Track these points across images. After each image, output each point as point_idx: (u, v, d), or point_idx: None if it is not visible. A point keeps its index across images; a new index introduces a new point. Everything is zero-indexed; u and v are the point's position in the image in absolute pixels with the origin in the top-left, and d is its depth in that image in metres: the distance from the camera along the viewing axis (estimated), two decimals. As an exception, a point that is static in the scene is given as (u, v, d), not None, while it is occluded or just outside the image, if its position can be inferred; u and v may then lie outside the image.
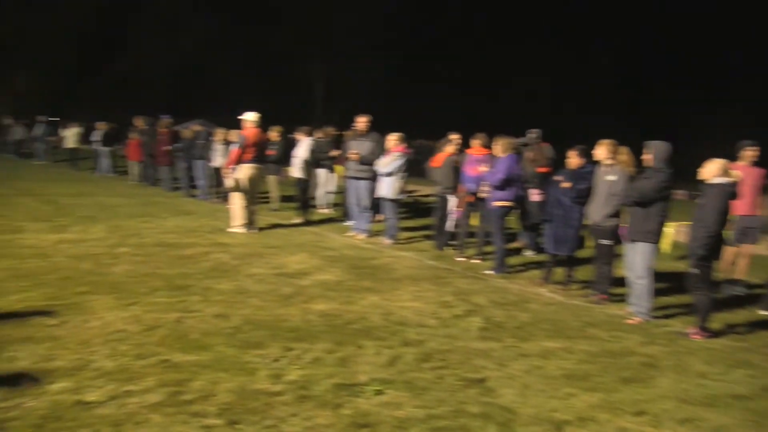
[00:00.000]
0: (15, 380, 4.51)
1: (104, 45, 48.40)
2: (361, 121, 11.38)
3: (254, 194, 11.55)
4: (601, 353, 5.84)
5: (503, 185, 8.97)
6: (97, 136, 22.52)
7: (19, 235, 9.88)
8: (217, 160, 14.69)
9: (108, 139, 22.39)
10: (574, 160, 8.06)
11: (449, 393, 4.69)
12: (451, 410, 4.40)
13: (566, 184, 8.00)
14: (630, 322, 6.93)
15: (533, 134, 10.92)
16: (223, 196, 14.00)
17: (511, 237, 10.68)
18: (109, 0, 47.10)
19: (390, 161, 10.57)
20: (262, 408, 4.26)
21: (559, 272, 8.50)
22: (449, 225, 10.52)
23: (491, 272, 9.00)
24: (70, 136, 25.14)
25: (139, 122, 19.63)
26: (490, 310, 7.09)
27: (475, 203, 9.74)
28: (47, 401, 4.22)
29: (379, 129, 11.54)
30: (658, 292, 7.45)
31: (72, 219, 11.74)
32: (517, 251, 10.62)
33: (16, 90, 46.74)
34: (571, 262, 8.39)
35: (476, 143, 10.01)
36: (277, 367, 4.99)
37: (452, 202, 10.31)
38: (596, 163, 7.88)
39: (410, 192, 15.74)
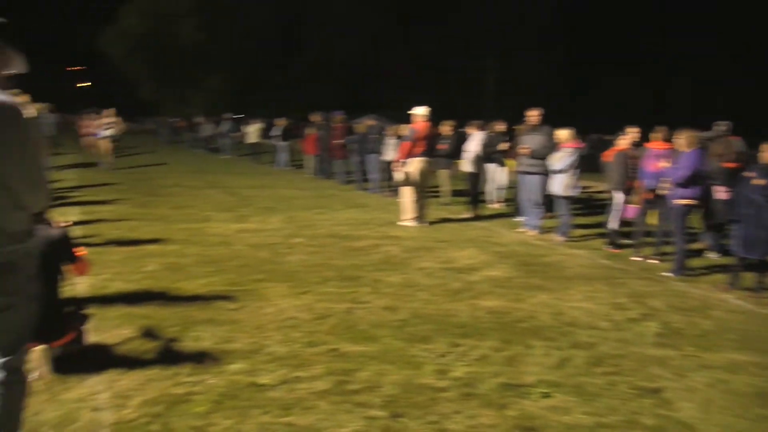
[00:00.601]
0: (199, 358, 4.85)
1: (284, 46, 50.89)
2: (533, 115, 11.12)
3: (424, 188, 11.61)
4: (800, 372, 5.27)
5: (687, 182, 8.41)
6: (276, 131, 23.63)
7: (206, 224, 10.58)
8: (390, 154, 14.91)
9: (286, 134, 23.42)
10: (768, 154, 7.41)
11: (621, 401, 4.45)
12: (622, 420, 4.17)
13: (759, 181, 7.36)
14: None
15: (721, 127, 10.18)
16: (395, 189, 14.21)
17: (693, 237, 10.01)
18: (289, 3, 49.37)
19: (562, 157, 10.26)
20: (426, 403, 4.25)
21: (749, 277, 7.84)
22: (612, 223, 10.06)
23: (670, 274, 8.48)
24: (252, 131, 26.63)
25: (315, 118, 20.37)
26: (668, 314, 6.66)
27: (654, 200, 9.22)
28: (225, 380, 4.48)
29: (553, 123, 11.22)
30: None
31: (252, 210, 12.42)
32: (699, 253, 9.93)
33: (207, 91, 50.29)
34: (764, 266, 7.72)
35: (657, 137, 9.48)
36: (443, 363, 4.97)
37: (618, 198, 9.84)
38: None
39: (584, 188, 15.20)
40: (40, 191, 2.99)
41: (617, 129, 10.81)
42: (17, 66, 3.07)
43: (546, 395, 4.46)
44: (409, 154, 11.36)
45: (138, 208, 12.31)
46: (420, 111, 11.53)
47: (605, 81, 43.06)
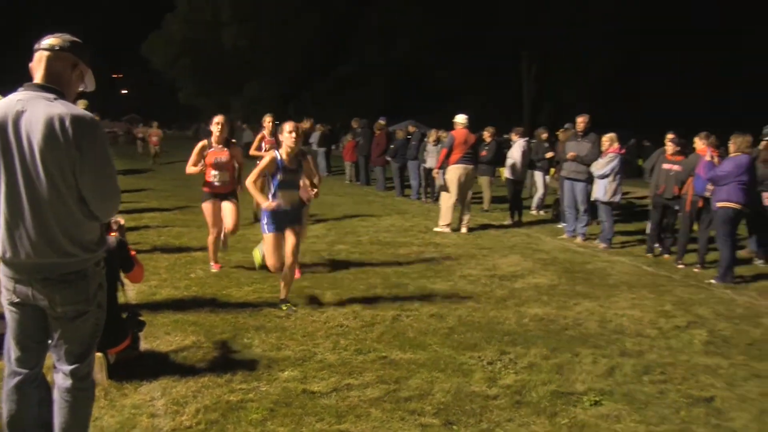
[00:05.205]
0: (251, 365, 4.92)
1: (328, 52, 51.14)
2: (581, 121, 11.05)
3: (463, 195, 11.63)
4: None
5: (732, 186, 8.30)
6: (314, 137, 23.78)
7: (249, 230, 10.67)
8: (430, 160, 14.96)
9: (324, 141, 23.56)
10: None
11: (673, 410, 4.44)
12: (675, 429, 4.17)
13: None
14: None
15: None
16: (435, 196, 14.25)
17: (739, 244, 9.86)
18: (335, 10, 49.61)
19: (605, 163, 10.21)
20: (478, 410, 4.29)
21: (797, 285, 7.77)
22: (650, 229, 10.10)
23: (715, 281, 8.40)
24: (291, 137, 26.84)
25: (355, 124, 20.46)
26: (716, 322, 6.62)
27: (705, 207, 9.11)
28: (278, 387, 4.55)
29: (592, 128, 11.14)
30: None
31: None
32: (745, 260, 9.83)
33: (247, 97, 50.72)
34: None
35: (701, 143, 9.41)
36: (493, 371, 5.00)
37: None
38: None
39: (625, 194, 15.09)
40: (111, 202, 3.05)
41: (658, 134, 10.75)
42: (88, 84, 3.16)
43: (596, 403, 4.47)
44: (447, 161, 11.41)
45: (182, 214, 12.46)
46: (459, 119, 11.57)
47: (646, 84, 42.44)
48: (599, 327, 6.27)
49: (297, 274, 7.19)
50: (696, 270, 9.05)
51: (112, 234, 4.78)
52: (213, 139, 7.61)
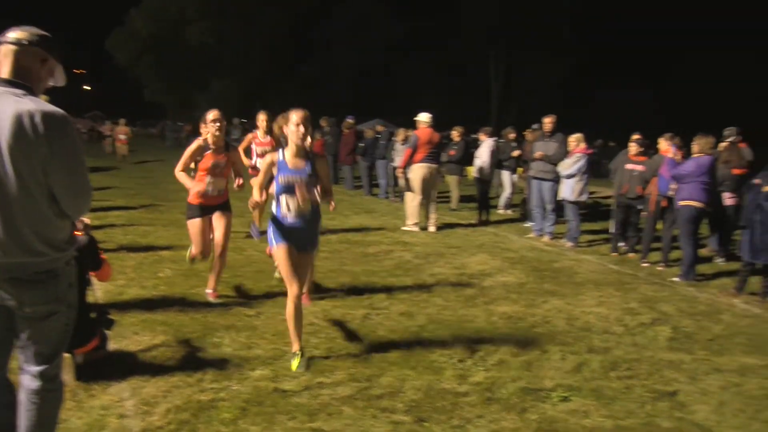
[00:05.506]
0: (222, 364, 4.90)
1: (294, 50, 50.97)
2: (547, 122, 11.18)
3: (428, 194, 11.69)
4: (810, 375, 5.36)
5: (693, 186, 8.47)
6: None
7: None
8: (398, 159, 14.98)
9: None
10: (776, 162, 7.50)
11: (638, 404, 4.55)
12: (641, 423, 4.27)
13: None
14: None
15: (730, 133, 10.29)
16: (402, 195, 14.29)
17: (701, 242, 10.08)
18: (301, 8, 49.44)
19: (572, 163, 10.34)
20: (449, 408, 4.34)
21: (756, 282, 7.95)
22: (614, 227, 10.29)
23: (678, 279, 8.57)
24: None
25: (323, 123, 20.41)
26: (679, 319, 6.77)
27: (669, 207, 9.30)
28: (250, 386, 4.53)
29: (558, 129, 11.28)
30: None
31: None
32: (707, 258, 10.04)
33: (214, 94, 50.29)
34: (770, 271, 7.82)
35: (665, 143, 9.59)
36: (463, 368, 5.06)
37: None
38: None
39: (591, 193, 15.31)
40: (83, 199, 2.98)
41: (622, 135, 10.91)
42: (58, 79, 3.07)
43: (565, 399, 4.56)
44: (411, 161, 11.46)
45: (148, 213, 12.36)
46: (423, 117, 11.62)
47: (609, 88, 43.03)
48: (567, 324, 6.38)
49: (306, 301, 6.11)
50: (660, 268, 9.22)
51: (77, 233, 4.72)
52: (210, 140, 6.40)
